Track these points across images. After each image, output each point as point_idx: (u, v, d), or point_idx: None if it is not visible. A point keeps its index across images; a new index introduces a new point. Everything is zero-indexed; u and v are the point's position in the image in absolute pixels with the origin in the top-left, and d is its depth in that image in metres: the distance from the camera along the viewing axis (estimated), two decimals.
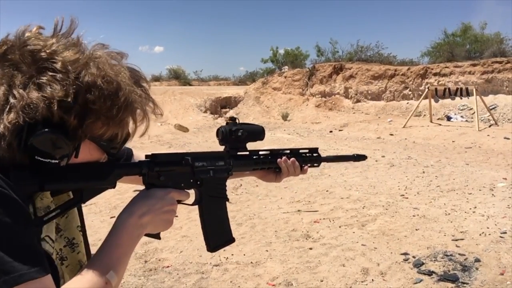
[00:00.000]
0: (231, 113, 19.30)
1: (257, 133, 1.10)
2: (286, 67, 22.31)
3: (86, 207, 5.11)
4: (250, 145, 1.10)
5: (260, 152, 1.15)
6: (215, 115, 18.72)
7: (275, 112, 18.72)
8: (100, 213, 5.11)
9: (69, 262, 0.84)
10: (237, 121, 1.07)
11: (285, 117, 17.68)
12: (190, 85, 30.97)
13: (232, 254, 3.87)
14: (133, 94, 0.77)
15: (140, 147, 10.44)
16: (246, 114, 18.87)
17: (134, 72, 0.81)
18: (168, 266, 3.67)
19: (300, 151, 1.24)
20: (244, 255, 3.88)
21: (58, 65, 0.70)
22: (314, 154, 1.26)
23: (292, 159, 1.18)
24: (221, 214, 1.03)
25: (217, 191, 1.01)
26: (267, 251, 3.98)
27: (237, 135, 1.05)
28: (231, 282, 3.38)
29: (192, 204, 0.98)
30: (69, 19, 0.75)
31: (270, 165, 1.16)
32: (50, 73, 0.69)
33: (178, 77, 32.91)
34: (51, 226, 0.79)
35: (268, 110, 19.21)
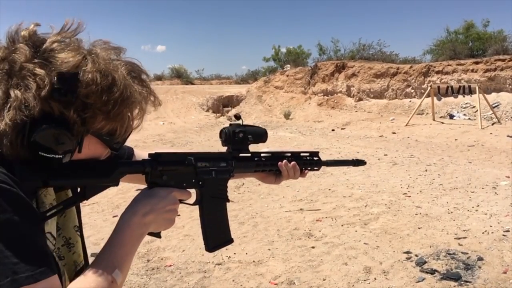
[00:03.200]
0: (233, 111, 19.31)
1: (260, 135, 1.11)
2: (288, 65, 22.32)
3: (88, 206, 5.16)
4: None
5: (262, 154, 1.15)
6: (217, 114, 18.76)
7: (277, 110, 18.72)
8: (103, 212, 5.12)
9: (65, 261, 0.85)
10: (241, 120, 1.08)
11: (287, 115, 17.67)
12: (192, 84, 31.04)
13: (234, 253, 3.87)
14: (129, 88, 0.77)
15: (143, 146, 10.46)
16: (248, 113, 18.87)
17: (133, 66, 0.81)
18: (170, 265, 3.68)
19: (301, 154, 1.24)
20: (246, 254, 3.89)
21: (54, 60, 0.70)
22: (315, 158, 1.27)
23: (292, 162, 1.19)
24: (221, 214, 1.03)
25: (218, 192, 1.01)
26: (269, 250, 3.98)
27: (240, 137, 1.05)
28: (233, 281, 3.38)
29: (193, 204, 0.98)
30: (77, 22, 0.76)
31: (271, 168, 1.17)
32: (45, 70, 0.69)
33: (180, 76, 32.98)
34: (53, 222, 0.79)
35: (270, 109, 19.21)
